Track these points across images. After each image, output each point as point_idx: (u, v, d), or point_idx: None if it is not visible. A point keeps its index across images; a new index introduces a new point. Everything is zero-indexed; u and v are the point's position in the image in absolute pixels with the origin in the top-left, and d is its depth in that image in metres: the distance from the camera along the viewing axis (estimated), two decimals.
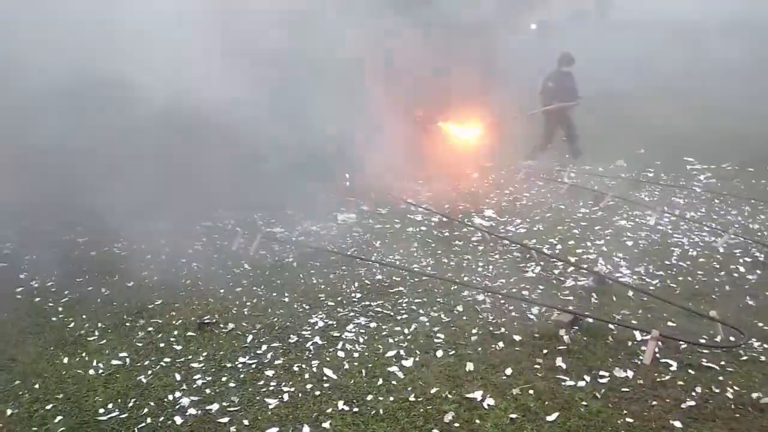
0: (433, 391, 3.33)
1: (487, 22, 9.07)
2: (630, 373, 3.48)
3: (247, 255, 5.64)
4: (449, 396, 3.29)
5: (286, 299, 4.60)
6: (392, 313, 4.30)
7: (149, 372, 3.64)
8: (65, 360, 3.84)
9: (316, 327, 4.13)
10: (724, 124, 11.00)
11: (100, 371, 3.68)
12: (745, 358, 3.67)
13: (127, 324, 4.30)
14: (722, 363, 3.60)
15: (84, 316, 4.46)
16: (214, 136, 6.85)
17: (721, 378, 3.45)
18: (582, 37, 17.29)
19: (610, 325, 4.03)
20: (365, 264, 5.30)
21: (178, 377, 3.57)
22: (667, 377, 3.46)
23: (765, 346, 3.82)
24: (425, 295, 4.63)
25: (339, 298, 4.58)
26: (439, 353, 3.74)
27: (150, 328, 4.21)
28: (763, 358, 3.68)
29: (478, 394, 3.28)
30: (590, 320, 4.09)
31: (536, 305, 4.36)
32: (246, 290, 4.81)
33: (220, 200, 7.17)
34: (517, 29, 18.28)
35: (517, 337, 3.90)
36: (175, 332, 4.13)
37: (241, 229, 6.30)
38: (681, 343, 3.82)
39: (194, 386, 3.47)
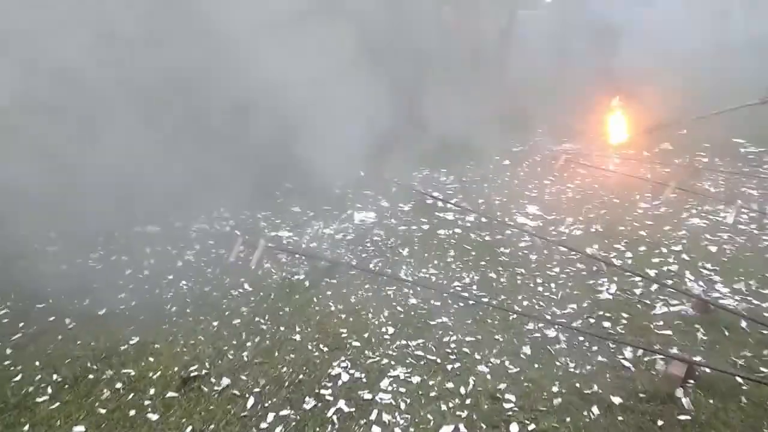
0: None
1: None
2: None
3: (248, 269, 4.59)
4: None
5: (298, 337, 3.55)
6: (439, 359, 3.25)
7: None
8: None
9: (340, 382, 3.09)
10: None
11: None
12: None
13: (90, 376, 3.27)
14: None
15: (37, 363, 3.43)
16: (212, 116, 5.83)
17: None
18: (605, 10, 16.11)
19: (739, 378, 2.97)
20: (394, 281, 4.25)
21: None
22: None
23: None
24: (478, 329, 3.58)
25: (366, 335, 3.53)
26: (514, 428, 2.70)
27: (119, 384, 3.18)
28: None
29: None
30: (708, 370, 3.04)
31: (631, 346, 3.30)
32: (246, 323, 3.77)
33: (220, 196, 6.15)
34: (528, 4, 17.10)
35: (615, 400, 2.85)
36: (152, 391, 3.10)
37: (241, 234, 5.26)
38: None
39: None
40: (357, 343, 3.43)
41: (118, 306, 4.11)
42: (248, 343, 3.50)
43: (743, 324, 3.53)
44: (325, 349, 3.39)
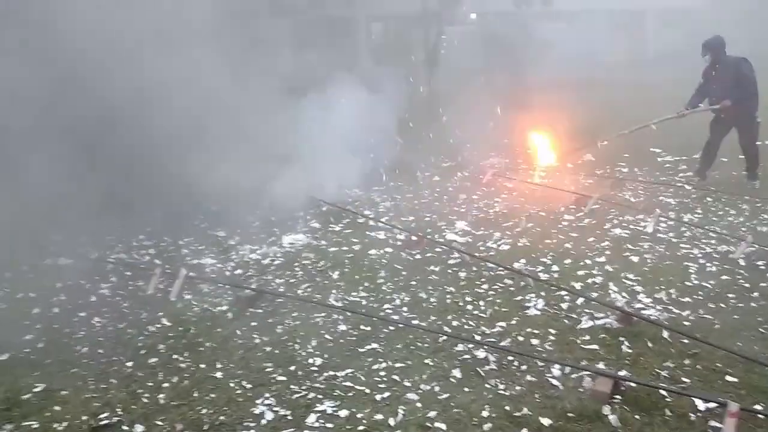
0: None
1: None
2: None
3: (167, 302, 4.34)
4: None
5: (219, 374, 3.35)
6: (368, 389, 3.14)
7: None
8: None
9: (263, 421, 2.92)
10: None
11: None
12: None
13: None
14: None
15: None
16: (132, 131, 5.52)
17: None
18: (527, 26, 16.69)
19: (662, 390, 3.01)
20: (323, 308, 4.11)
21: None
22: None
23: None
24: (408, 353, 3.50)
25: (292, 368, 3.37)
26: None
27: None
28: None
29: None
30: (633, 384, 3.06)
31: (558, 364, 3.30)
32: (163, 362, 3.53)
33: (139, 222, 5.84)
34: (455, 19, 17.52)
35: (545, 421, 2.82)
36: None
37: (161, 264, 4.99)
38: (761, 410, 2.85)
39: None
40: (282, 378, 3.27)
41: (23, 349, 3.78)
42: (165, 384, 3.27)
43: (665, 334, 3.61)
44: (249, 385, 3.22)
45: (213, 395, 3.15)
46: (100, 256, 5.30)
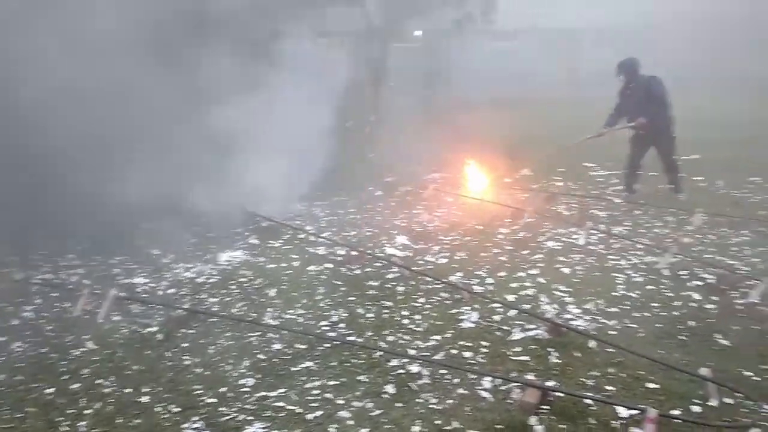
0: None
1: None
2: None
3: (94, 325, 4.18)
4: None
5: (146, 398, 3.25)
6: (300, 409, 3.11)
7: None
8: None
9: None
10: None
11: None
12: (756, 431, 2.89)
13: None
14: None
15: None
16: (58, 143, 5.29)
17: None
18: (469, 45, 17.09)
19: (588, 399, 3.10)
20: (258, 327, 4.05)
21: None
22: None
23: (766, 407, 3.07)
24: (342, 370, 3.48)
25: (223, 390, 3.30)
26: None
27: None
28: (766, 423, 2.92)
29: None
30: (560, 394, 3.14)
31: (489, 376, 3.35)
32: (87, 386, 3.39)
33: (69, 241, 5.62)
34: (401, 36, 17.75)
35: None
36: None
37: (90, 284, 4.81)
38: (677, 414, 2.97)
39: None
40: (212, 400, 3.20)
41: None
42: (87, 411, 3.14)
43: (592, 344, 3.73)
44: (176, 409, 3.13)
45: (137, 420, 3.04)
46: (26, 277, 5.06)
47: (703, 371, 3.21)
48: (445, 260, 5.37)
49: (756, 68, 17.60)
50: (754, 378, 3.36)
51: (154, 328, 4.06)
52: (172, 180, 5.68)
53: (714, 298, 4.46)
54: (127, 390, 3.32)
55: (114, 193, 5.40)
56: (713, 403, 3.10)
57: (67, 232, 5.61)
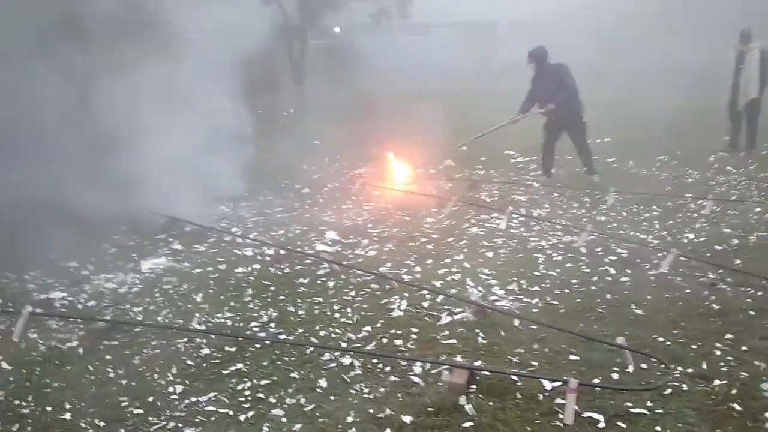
0: None
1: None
2: None
3: (9, 344, 3.94)
4: None
5: (68, 415, 3.11)
6: (231, 411, 3.06)
7: None
8: None
9: None
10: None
11: None
12: (669, 392, 3.09)
13: None
14: (649, 405, 2.98)
15: None
16: None
17: (658, 428, 2.81)
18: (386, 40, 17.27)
19: (513, 375, 3.23)
20: (185, 333, 3.96)
21: None
22: None
23: (680, 368, 3.30)
24: (274, 369, 3.46)
25: (150, 399, 3.21)
26: None
27: None
28: (685, 386, 3.14)
29: None
30: (487, 373, 3.25)
31: (419, 361, 3.42)
32: (2, 410, 3.20)
33: None
34: (321, 33, 17.70)
35: (407, 419, 2.92)
36: None
37: (2, 303, 4.54)
38: (597, 383, 3.15)
39: None
40: (139, 410, 3.10)
41: None
42: None
43: (516, 323, 3.88)
44: (101, 423, 3.01)
45: None
46: None
47: (620, 340, 3.40)
48: (374, 252, 5.42)
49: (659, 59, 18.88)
50: (667, 343, 3.59)
51: (75, 343, 3.88)
52: (74, 184, 5.42)
53: (628, 271, 4.73)
54: (47, 408, 3.16)
55: (17, 202, 5.11)
56: (630, 369, 3.30)
57: None
